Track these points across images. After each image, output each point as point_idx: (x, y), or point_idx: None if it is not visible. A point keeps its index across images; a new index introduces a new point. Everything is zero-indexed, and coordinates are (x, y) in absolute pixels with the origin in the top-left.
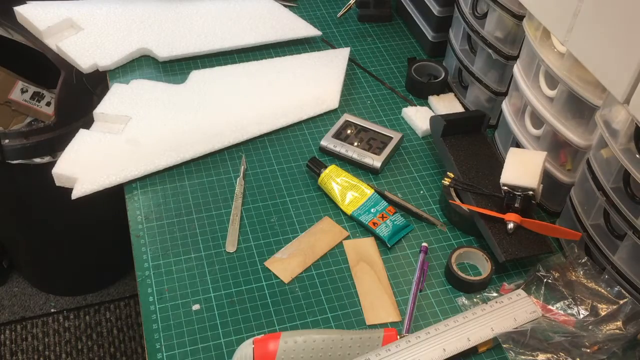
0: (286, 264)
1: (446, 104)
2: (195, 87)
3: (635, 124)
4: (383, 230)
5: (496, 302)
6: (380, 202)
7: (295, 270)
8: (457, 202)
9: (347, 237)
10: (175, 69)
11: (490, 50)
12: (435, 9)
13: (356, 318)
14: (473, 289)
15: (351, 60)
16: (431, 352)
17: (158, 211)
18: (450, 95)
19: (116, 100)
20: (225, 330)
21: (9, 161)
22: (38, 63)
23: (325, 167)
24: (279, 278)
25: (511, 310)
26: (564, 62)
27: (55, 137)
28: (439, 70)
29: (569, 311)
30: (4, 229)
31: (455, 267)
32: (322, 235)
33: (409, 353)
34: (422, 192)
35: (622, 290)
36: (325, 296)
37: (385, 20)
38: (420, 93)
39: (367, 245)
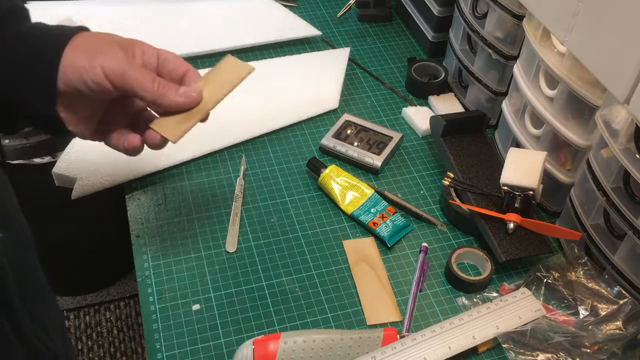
0: (176, 119)
1: (446, 104)
2: None
3: (635, 124)
4: (383, 230)
5: (501, 301)
6: (380, 202)
7: (185, 126)
8: (457, 202)
9: (347, 237)
10: None
11: (490, 50)
12: (435, 9)
13: (356, 318)
14: (473, 289)
15: (351, 60)
16: (437, 349)
17: (158, 211)
18: (450, 95)
19: None
20: (225, 330)
21: (9, 161)
22: None
23: (325, 167)
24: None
25: (516, 308)
26: (564, 62)
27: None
28: (439, 70)
29: (569, 311)
30: None
31: (455, 267)
32: (224, 76)
33: (415, 351)
34: (422, 192)
35: (622, 290)
36: (325, 296)
37: (385, 20)
38: (420, 93)
39: (367, 245)
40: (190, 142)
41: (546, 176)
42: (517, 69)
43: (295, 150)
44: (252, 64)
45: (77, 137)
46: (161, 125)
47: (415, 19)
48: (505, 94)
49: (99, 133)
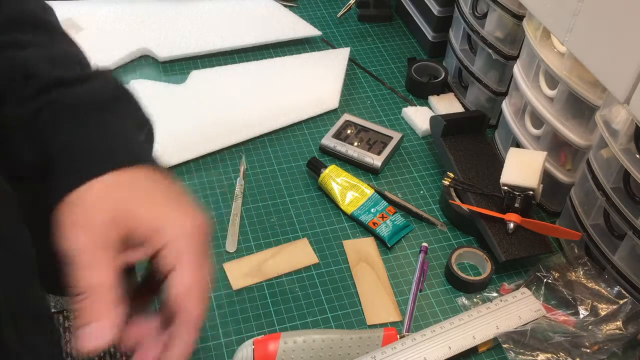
0: (242, 271)
1: (446, 104)
2: (195, 87)
3: (635, 124)
4: (383, 230)
5: (501, 301)
6: (380, 202)
7: (246, 281)
8: (457, 202)
9: (347, 237)
10: (175, 69)
11: (490, 50)
12: (435, 9)
13: (356, 318)
14: (473, 289)
15: (351, 60)
16: (437, 349)
17: None
18: (450, 95)
19: None
20: (225, 330)
21: None
22: None
23: (325, 167)
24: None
25: (516, 308)
26: (564, 62)
27: None
28: (439, 70)
29: (569, 311)
30: None
31: (455, 267)
32: (289, 257)
33: (415, 351)
34: (422, 192)
35: (622, 290)
36: (325, 296)
37: (385, 20)
38: (420, 93)
39: (367, 245)
40: (190, 142)
41: (546, 176)
42: (517, 69)
43: (295, 150)
44: (252, 64)
45: None
46: (231, 269)
47: (415, 19)
48: (505, 94)
49: None
